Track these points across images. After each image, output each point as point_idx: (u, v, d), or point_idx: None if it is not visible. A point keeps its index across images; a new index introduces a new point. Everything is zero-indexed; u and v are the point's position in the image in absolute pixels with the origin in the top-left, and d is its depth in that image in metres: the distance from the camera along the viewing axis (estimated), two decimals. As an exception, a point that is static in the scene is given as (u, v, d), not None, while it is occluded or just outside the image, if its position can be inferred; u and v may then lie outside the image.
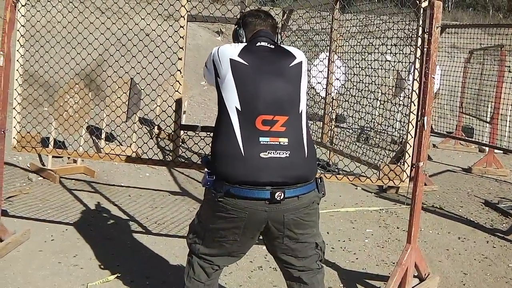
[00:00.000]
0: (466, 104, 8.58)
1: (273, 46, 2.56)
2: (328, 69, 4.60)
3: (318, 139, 5.24)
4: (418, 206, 3.46)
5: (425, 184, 6.79)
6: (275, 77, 2.45)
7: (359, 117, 4.40)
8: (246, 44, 2.57)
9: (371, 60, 4.11)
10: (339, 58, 6.13)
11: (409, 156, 3.45)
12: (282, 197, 2.32)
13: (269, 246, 2.61)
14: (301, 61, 2.54)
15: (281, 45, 2.64)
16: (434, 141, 10.05)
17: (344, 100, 4.79)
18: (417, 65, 3.35)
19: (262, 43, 2.55)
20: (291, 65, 2.51)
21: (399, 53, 3.86)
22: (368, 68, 4.17)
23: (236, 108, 2.38)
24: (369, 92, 4.35)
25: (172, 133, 3.71)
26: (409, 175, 3.50)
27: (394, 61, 3.98)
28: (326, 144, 5.25)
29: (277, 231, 2.44)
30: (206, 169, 2.51)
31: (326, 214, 5.41)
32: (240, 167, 2.33)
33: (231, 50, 2.49)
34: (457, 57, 8.71)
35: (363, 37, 4.23)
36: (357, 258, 4.32)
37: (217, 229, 2.50)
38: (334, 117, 7.29)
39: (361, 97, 4.36)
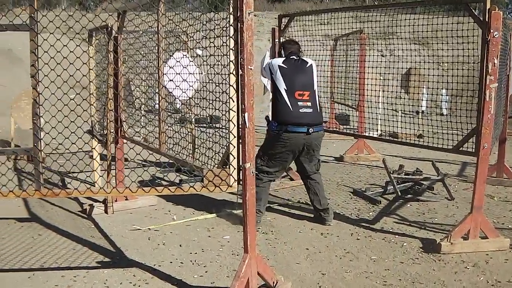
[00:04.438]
0: (335, 93, 8.49)
1: (298, 58, 5.06)
2: (158, 70, 4.11)
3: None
4: (252, 212, 3.13)
5: (292, 179, 6.59)
6: (301, 73, 4.90)
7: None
8: (284, 58, 5.04)
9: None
10: (191, 57, 5.71)
11: (234, 158, 3.09)
12: (312, 131, 4.74)
13: (300, 159, 4.93)
14: (312, 64, 5.04)
15: (302, 57, 5.12)
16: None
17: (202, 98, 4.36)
18: (232, 57, 3.00)
19: (292, 57, 5.03)
20: (307, 66, 4.99)
21: (210, 46, 3.41)
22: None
23: (284, 89, 4.77)
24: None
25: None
26: (236, 178, 3.15)
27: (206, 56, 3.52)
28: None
29: (307, 150, 4.85)
30: (271, 121, 4.85)
31: (182, 224, 5.01)
32: (291, 117, 4.72)
33: (278, 61, 4.98)
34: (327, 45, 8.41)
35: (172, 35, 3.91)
36: (206, 272, 3.94)
37: (277, 153, 4.85)
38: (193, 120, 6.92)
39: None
